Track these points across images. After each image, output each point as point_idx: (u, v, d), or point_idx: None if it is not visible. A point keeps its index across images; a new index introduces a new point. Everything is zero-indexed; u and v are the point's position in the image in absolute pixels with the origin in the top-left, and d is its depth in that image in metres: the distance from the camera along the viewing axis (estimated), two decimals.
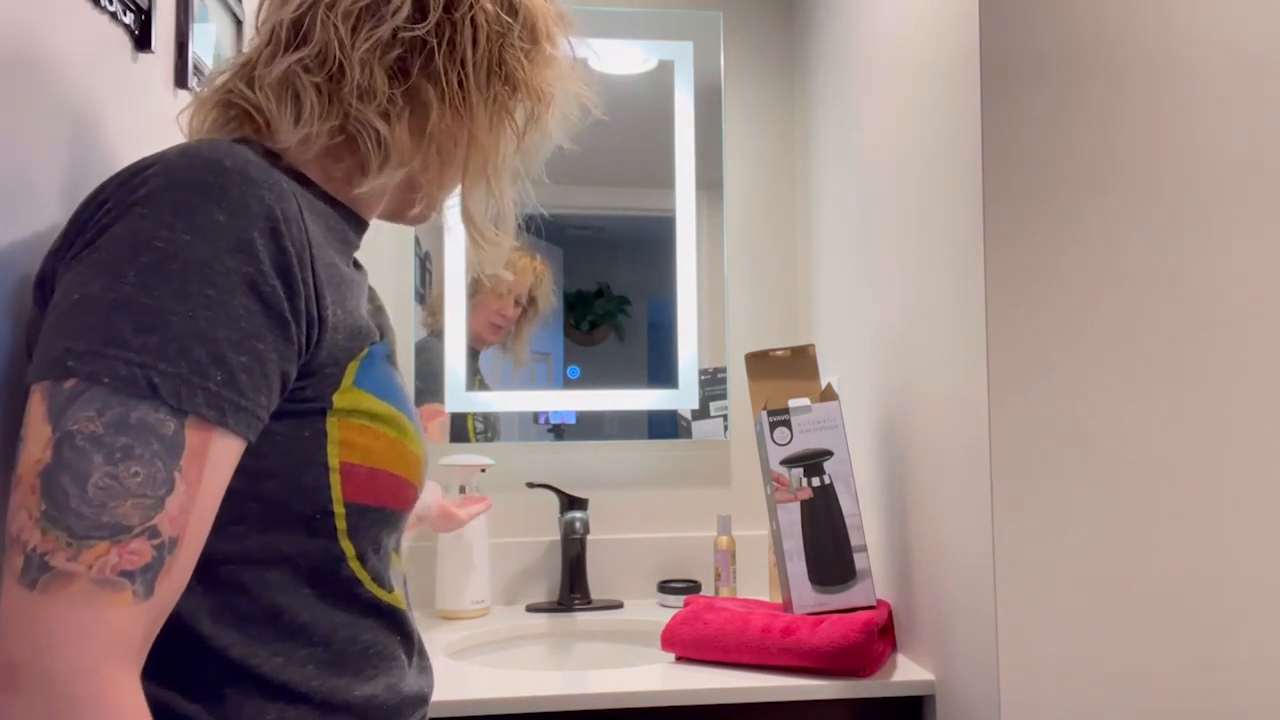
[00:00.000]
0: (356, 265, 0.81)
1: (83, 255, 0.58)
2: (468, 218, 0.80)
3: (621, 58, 1.90)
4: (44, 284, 0.63)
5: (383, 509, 0.70)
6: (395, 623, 0.74)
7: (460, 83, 0.74)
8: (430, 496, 1.49)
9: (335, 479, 0.66)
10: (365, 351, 0.69)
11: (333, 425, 0.66)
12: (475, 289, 1.81)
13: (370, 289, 0.82)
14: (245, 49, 1.18)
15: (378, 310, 0.83)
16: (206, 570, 0.62)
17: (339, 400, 0.66)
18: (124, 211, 0.58)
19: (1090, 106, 1.13)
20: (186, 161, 0.60)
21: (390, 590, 0.73)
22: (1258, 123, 1.16)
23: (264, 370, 0.60)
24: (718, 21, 1.93)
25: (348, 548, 0.68)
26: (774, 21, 1.97)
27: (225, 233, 0.58)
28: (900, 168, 1.38)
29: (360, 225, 0.79)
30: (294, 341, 0.62)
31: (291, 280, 0.61)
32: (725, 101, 1.93)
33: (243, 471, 0.61)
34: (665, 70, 1.90)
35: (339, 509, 0.67)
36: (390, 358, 0.75)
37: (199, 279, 0.57)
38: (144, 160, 0.61)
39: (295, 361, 0.63)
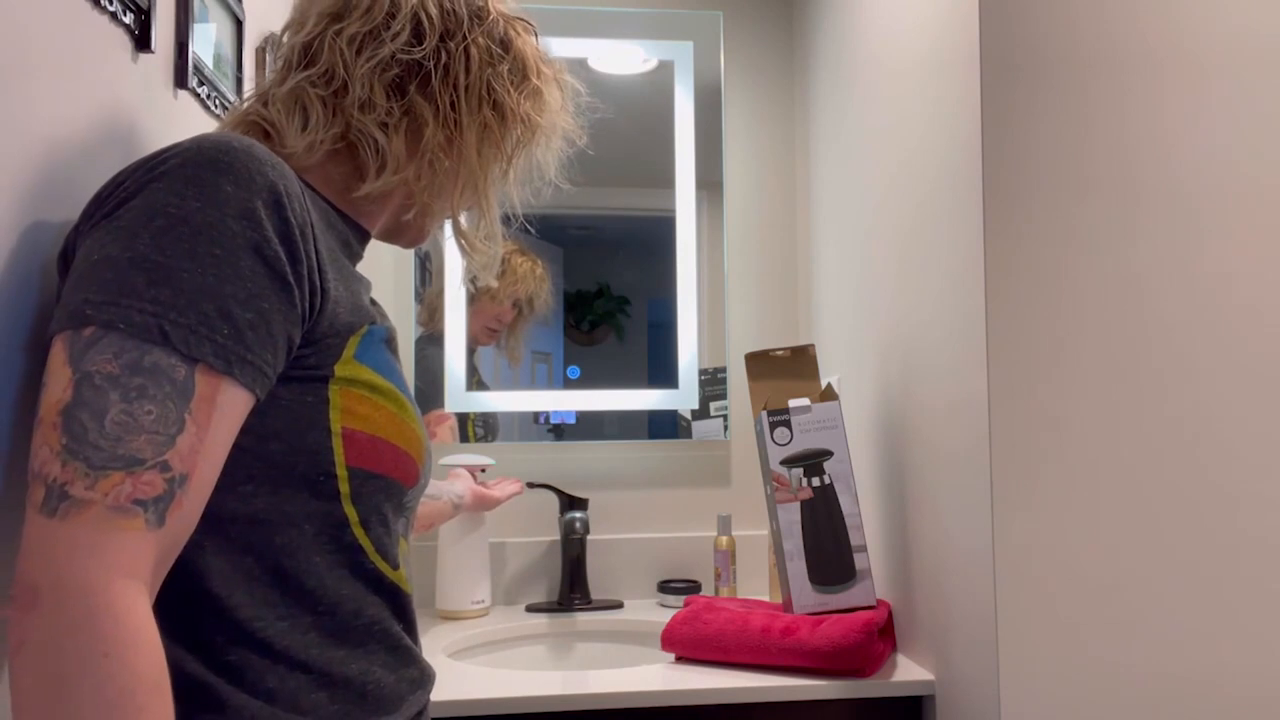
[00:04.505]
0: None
1: (101, 224, 0.63)
2: (456, 229, 0.88)
3: (621, 58, 1.90)
4: (66, 256, 0.68)
5: (385, 477, 0.73)
6: (398, 604, 0.77)
7: (453, 104, 0.81)
8: (460, 485, 1.54)
9: (337, 443, 0.70)
10: (365, 329, 0.73)
11: (335, 392, 0.70)
12: (474, 294, 1.82)
13: (373, 299, 0.86)
14: (247, 53, 1.19)
15: (382, 316, 0.87)
16: (218, 530, 0.66)
17: (340, 370, 0.70)
18: (142, 187, 0.63)
19: (1091, 105, 1.13)
20: (198, 145, 0.65)
21: (395, 568, 0.76)
22: (1261, 121, 1.16)
23: (269, 329, 0.64)
24: (718, 21, 1.93)
25: (351, 513, 0.72)
26: (774, 21, 1.97)
27: (232, 201, 0.63)
28: (900, 167, 1.38)
29: (361, 234, 0.85)
30: (297, 305, 0.66)
31: (294, 248, 0.66)
32: (725, 101, 1.93)
33: (250, 431, 0.66)
34: (665, 70, 1.90)
35: (341, 472, 0.70)
36: (389, 343, 0.78)
37: (207, 241, 0.62)
38: (163, 149, 0.66)
39: (300, 326, 0.67)
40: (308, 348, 0.68)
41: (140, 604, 0.56)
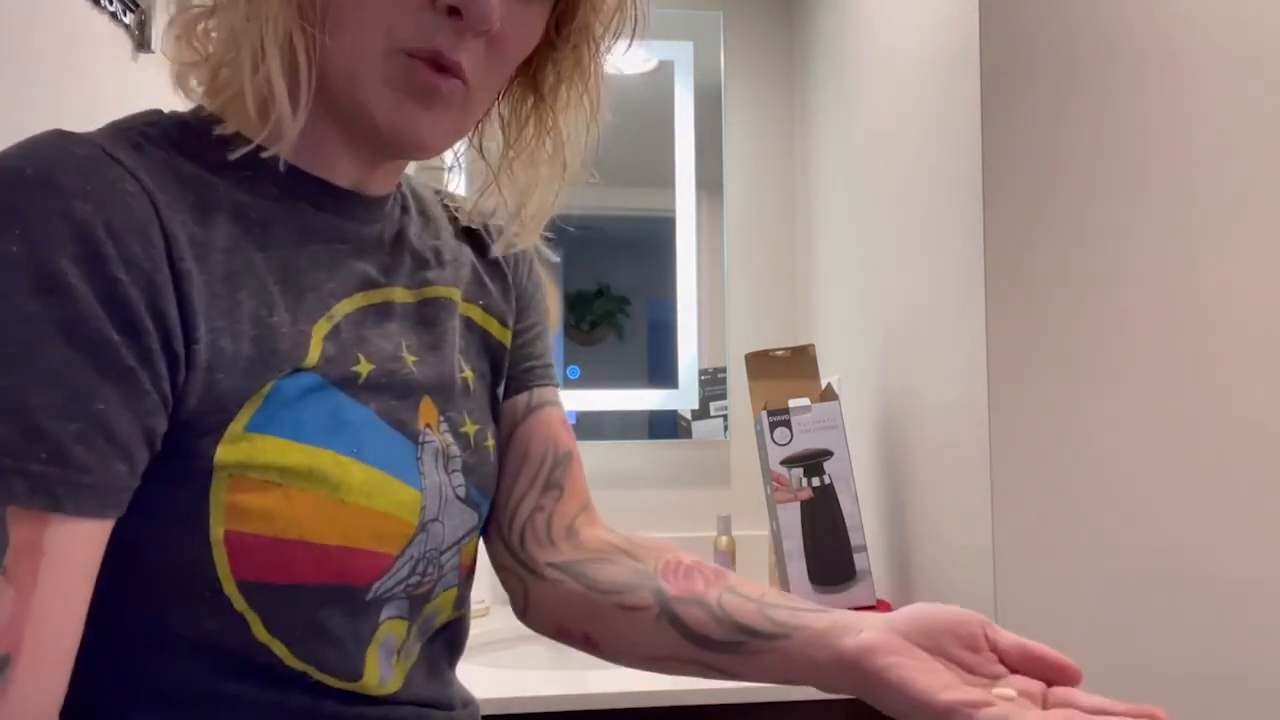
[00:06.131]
0: (421, 268, 0.67)
1: None
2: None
3: (621, 58, 1.90)
4: None
5: (300, 587, 0.54)
6: (372, 704, 0.60)
7: None
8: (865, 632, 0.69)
9: (220, 553, 0.52)
10: (269, 386, 0.53)
11: (219, 486, 0.52)
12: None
13: (427, 284, 0.67)
14: None
15: (433, 345, 0.66)
16: (104, 651, 0.53)
17: (225, 453, 0.52)
18: None
19: (1090, 105, 1.13)
20: None
21: (355, 679, 0.59)
22: (1259, 120, 1.16)
23: (110, 435, 0.47)
24: (718, 21, 1.93)
25: (260, 632, 0.54)
26: (774, 21, 1.97)
27: (24, 269, 0.45)
28: (900, 167, 1.38)
29: (364, 205, 0.63)
30: (150, 389, 0.48)
31: (130, 314, 0.47)
32: (725, 101, 1.93)
33: (116, 540, 0.49)
34: (665, 70, 1.90)
35: (229, 589, 0.53)
36: (346, 383, 0.58)
37: None
38: None
39: (162, 411, 0.50)
40: (176, 432, 0.51)
41: None
